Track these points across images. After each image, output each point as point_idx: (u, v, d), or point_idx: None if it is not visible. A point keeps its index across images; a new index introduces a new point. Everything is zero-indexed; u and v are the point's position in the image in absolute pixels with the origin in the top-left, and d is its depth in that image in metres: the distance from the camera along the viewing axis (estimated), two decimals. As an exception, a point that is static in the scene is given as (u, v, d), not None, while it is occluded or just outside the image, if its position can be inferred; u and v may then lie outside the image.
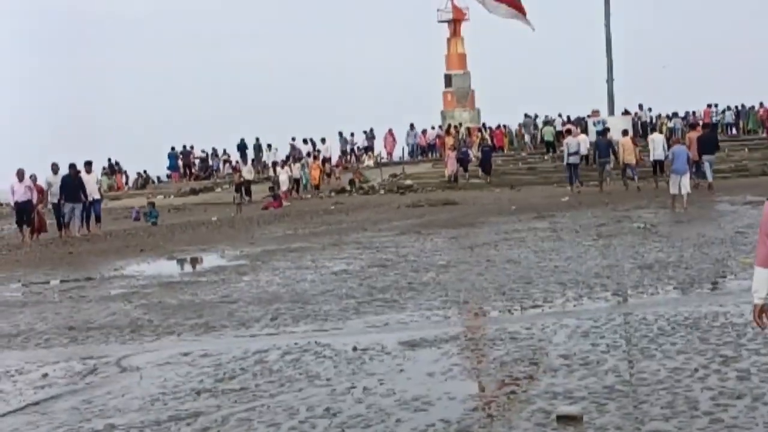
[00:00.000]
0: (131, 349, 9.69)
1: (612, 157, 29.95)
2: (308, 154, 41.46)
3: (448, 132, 42.26)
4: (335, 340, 9.43)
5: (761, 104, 44.18)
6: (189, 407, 7.10)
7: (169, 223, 28.06)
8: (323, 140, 43.18)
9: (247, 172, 38.19)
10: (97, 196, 25.78)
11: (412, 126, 46.55)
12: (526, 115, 45.52)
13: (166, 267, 16.86)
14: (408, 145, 46.69)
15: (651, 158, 29.64)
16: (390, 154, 47.41)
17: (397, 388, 7.36)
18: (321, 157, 41.09)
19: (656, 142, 29.67)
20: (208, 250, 19.29)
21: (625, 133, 31.22)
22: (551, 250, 15.42)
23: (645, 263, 13.22)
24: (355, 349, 8.88)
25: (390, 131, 47.19)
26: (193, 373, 8.36)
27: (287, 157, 42.77)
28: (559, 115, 43.13)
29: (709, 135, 29.88)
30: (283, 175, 37.89)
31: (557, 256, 14.54)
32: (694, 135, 28.17)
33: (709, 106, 44.53)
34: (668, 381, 6.93)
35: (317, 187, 38.80)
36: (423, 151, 46.06)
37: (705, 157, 27.27)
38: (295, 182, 38.77)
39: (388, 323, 10.26)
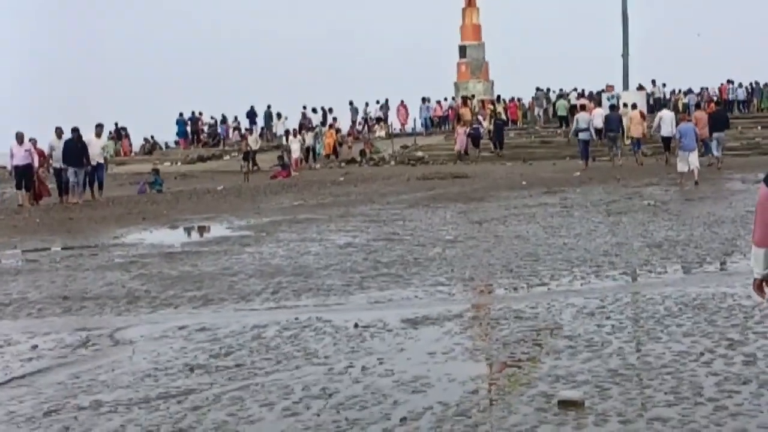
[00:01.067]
0: (126, 321, 9.52)
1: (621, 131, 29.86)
2: (323, 123, 41.18)
3: (465, 104, 41.88)
4: (337, 316, 9.26)
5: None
6: (181, 384, 6.93)
7: (174, 190, 27.87)
8: (330, 110, 42.88)
9: (253, 141, 37.81)
10: (101, 161, 25.45)
11: (423, 100, 46.15)
12: (537, 89, 45.11)
13: (168, 236, 16.69)
14: (421, 118, 46.32)
15: (660, 134, 29.28)
16: (403, 125, 47.10)
17: (397, 368, 7.17)
18: (336, 126, 40.87)
19: (665, 119, 29.23)
20: (212, 220, 19.12)
21: (634, 106, 31.04)
22: (560, 226, 15.19)
23: (654, 242, 12.99)
24: (356, 325, 8.70)
25: (402, 102, 46.86)
26: (188, 348, 8.18)
27: (300, 126, 42.49)
28: (575, 89, 42.70)
29: (719, 112, 29.86)
30: (295, 144, 37.66)
31: (566, 233, 14.32)
32: (700, 114, 27.84)
33: (728, 82, 44.02)
34: (673, 365, 6.72)
35: (330, 155, 38.57)
36: (436, 123, 45.71)
37: (715, 135, 27.14)
38: (308, 151, 38.51)
39: (391, 299, 10.07)
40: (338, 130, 41.11)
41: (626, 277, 10.83)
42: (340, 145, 39.90)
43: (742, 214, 15.35)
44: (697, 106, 31.19)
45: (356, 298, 10.28)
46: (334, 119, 41.96)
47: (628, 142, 31.53)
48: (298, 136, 38.85)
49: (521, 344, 7.68)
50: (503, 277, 11.06)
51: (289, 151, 36.88)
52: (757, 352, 6.89)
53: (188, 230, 17.79)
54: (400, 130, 46.79)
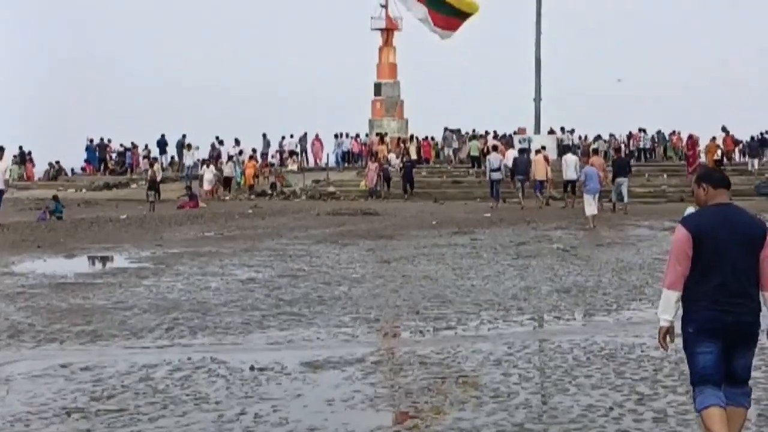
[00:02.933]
0: (5, 357, 8.87)
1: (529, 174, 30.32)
2: (240, 152, 40.48)
3: (382, 141, 41.70)
4: (232, 356, 8.76)
5: (673, 132, 44.63)
6: (54, 431, 6.35)
7: (75, 218, 26.84)
8: (237, 141, 42.22)
9: (156, 172, 36.24)
10: (1, 186, 24.24)
11: (336, 135, 45.86)
12: (446, 129, 45.19)
13: (62, 266, 15.89)
14: (335, 154, 45.99)
15: (564, 178, 29.95)
16: (317, 160, 46.68)
17: (292, 416, 6.73)
18: (253, 157, 40.23)
19: (568, 162, 29.83)
20: (111, 250, 18.36)
21: (538, 151, 31.64)
22: (469, 267, 14.93)
23: (563, 287, 12.81)
24: (252, 368, 8.23)
25: (317, 137, 46.46)
26: (67, 389, 7.60)
27: (209, 157, 41.69)
28: (486, 133, 42.87)
29: (622, 159, 31.45)
30: (209, 174, 36.82)
31: (475, 275, 14.06)
32: (595, 160, 28.31)
33: (640, 130, 44.75)
34: (581, 420, 6.43)
35: (251, 186, 37.89)
36: (351, 158, 45.37)
37: (618, 180, 27.69)
38: (226, 180, 37.70)
39: (292, 340, 9.63)
40: (257, 161, 40.49)
41: (534, 322, 10.59)
42: (256, 177, 39.06)
43: (649, 261, 15.33)
44: (595, 152, 31.72)
45: (255, 337, 9.80)
46: (254, 150, 41.34)
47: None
48: (212, 167, 38.04)
49: (425, 393, 7.31)
50: (409, 319, 10.71)
51: (193, 180, 35.94)
52: (667, 408, 6.63)
53: (84, 260, 16.98)
54: (315, 164, 46.37)
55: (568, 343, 9.07)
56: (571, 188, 29.46)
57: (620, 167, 28.73)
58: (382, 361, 8.64)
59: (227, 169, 38.16)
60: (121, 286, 13.25)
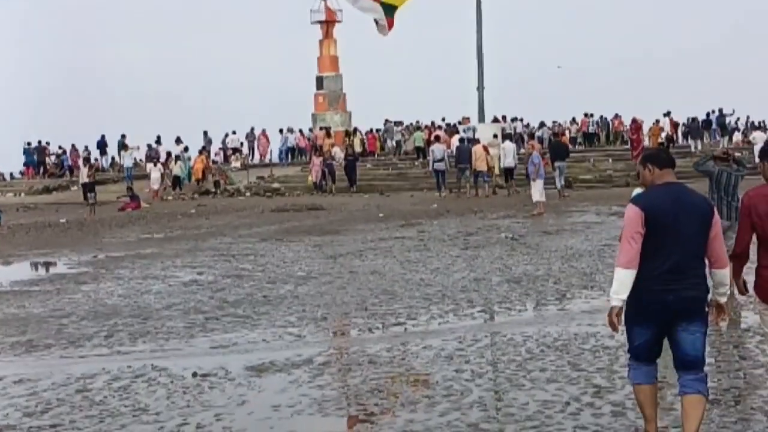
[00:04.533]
0: (-68, 373, 8.42)
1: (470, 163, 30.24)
2: (186, 149, 39.89)
3: (328, 134, 41.32)
4: (174, 363, 8.42)
5: (616, 116, 44.90)
6: (-19, 452, 5.98)
7: (13, 223, 26.12)
8: (179, 139, 41.56)
9: (84, 174, 35.18)
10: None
11: (281, 131, 45.40)
12: (386, 121, 44.98)
13: (-3, 274, 15.37)
14: (279, 150, 45.50)
15: (501, 165, 30.09)
16: (263, 155, 46.16)
17: (236, 425, 6.43)
18: (202, 152, 39.73)
19: (507, 150, 29.91)
20: (49, 255, 17.82)
21: (476, 140, 31.62)
22: (417, 260, 14.70)
23: (513, 276, 12.63)
24: (195, 374, 7.90)
25: (264, 132, 45.95)
26: (-1, 405, 7.20)
27: (146, 157, 40.96)
28: (432, 123, 42.71)
29: (558, 143, 31.28)
30: (155, 173, 36.12)
31: (423, 268, 13.82)
32: (536, 145, 28.39)
33: (586, 115, 44.93)
34: (538, 417, 6.21)
35: (199, 181, 37.32)
36: (294, 153, 44.91)
37: (557, 164, 27.80)
38: (175, 179, 37.04)
39: (236, 343, 9.31)
40: (208, 155, 39.93)
41: (485, 315, 10.38)
42: (204, 173, 38.29)
43: (599, 248, 15.22)
44: (531, 136, 31.80)
45: (198, 341, 9.46)
46: (203, 146, 40.79)
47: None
48: (158, 165, 37.33)
49: (375, 394, 7.04)
50: (358, 316, 10.44)
51: (133, 181, 35.18)
52: (625, 401, 6.43)
53: (21, 267, 16.42)
54: (260, 160, 45.85)
55: (520, 336, 8.87)
56: (510, 175, 29.80)
57: (557, 151, 28.94)
58: (330, 361, 8.34)
59: (176, 169, 37.49)
60: (59, 292, 12.80)
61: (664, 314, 5.13)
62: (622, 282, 5.12)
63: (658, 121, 38.40)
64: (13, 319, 10.90)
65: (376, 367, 7.90)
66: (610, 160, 36.60)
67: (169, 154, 39.50)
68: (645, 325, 5.18)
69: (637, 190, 10.17)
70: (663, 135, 37.54)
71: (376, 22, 38.78)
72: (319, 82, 49.17)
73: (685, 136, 42.17)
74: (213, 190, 36.91)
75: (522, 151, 30.52)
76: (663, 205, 5.12)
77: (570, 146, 40.16)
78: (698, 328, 5.18)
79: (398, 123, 44.74)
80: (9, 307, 11.73)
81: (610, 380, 7.05)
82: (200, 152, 39.69)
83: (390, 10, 38.47)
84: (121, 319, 10.68)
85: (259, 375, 7.85)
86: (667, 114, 40.03)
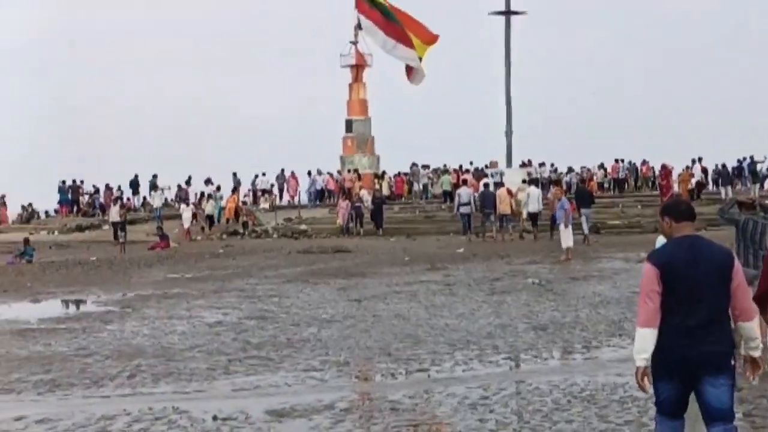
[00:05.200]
0: (-43, 411, 8.42)
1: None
2: (218, 188, 40.33)
3: (360, 177, 41.55)
4: (195, 405, 8.37)
5: (644, 161, 44.68)
6: (-2, 494, 5.94)
7: (45, 261, 26.31)
8: (187, 182, 42.12)
9: (114, 213, 35.64)
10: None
11: (309, 173, 45.64)
12: (413, 164, 45.07)
13: (26, 311, 15.40)
14: (307, 192, 45.73)
15: (527, 210, 30.07)
16: (292, 197, 46.39)
17: (254, 471, 6.34)
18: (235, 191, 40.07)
19: (532, 195, 29.89)
20: (77, 293, 17.89)
21: (501, 185, 31.71)
22: (443, 305, 14.60)
23: (539, 323, 12.49)
24: (215, 418, 7.84)
25: (293, 174, 46.23)
26: (19, 445, 7.18)
27: (176, 198, 41.29)
28: (461, 167, 42.72)
29: (582, 189, 31.85)
30: (187, 213, 36.35)
31: (449, 313, 13.72)
32: (558, 191, 28.42)
33: (616, 161, 44.78)
34: (563, 469, 6.08)
35: (229, 220, 37.55)
36: (323, 195, 45.06)
37: (582, 210, 27.80)
38: (208, 218, 37.34)
39: (258, 386, 9.25)
40: (239, 196, 40.25)
41: (510, 362, 10.25)
42: (237, 213, 38.52)
43: (627, 295, 15.04)
44: (557, 183, 31.91)
45: (220, 384, 9.41)
46: (234, 187, 41.16)
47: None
48: (191, 205, 37.61)
49: (396, 443, 6.95)
50: (381, 361, 10.35)
51: (163, 221, 35.44)
52: (653, 456, 6.28)
53: (49, 305, 16.47)
54: (289, 202, 46.07)
55: (546, 385, 8.74)
56: (534, 221, 29.84)
57: (582, 198, 29.00)
58: (352, 407, 8.24)
59: (209, 208, 37.76)
60: (85, 331, 12.81)
61: (687, 370, 5.07)
62: (643, 341, 5.09)
63: (688, 167, 38.13)
64: (38, 357, 10.91)
65: (398, 415, 7.80)
66: (639, 206, 36.38)
67: (202, 194, 39.84)
68: (668, 381, 5.12)
69: (660, 239, 10.07)
70: (693, 181, 37.25)
71: (410, 68, 39.14)
72: (348, 125, 49.37)
73: (715, 182, 41.87)
74: (241, 230, 37.04)
75: (549, 195, 30.43)
76: (679, 260, 5.07)
77: (597, 192, 40.13)
78: (724, 381, 5.09)
79: (425, 166, 44.80)
80: (35, 345, 11.75)
81: (637, 434, 6.92)
82: (233, 192, 40.03)
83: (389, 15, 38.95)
84: (144, 359, 10.65)
85: (280, 420, 7.77)
86: (699, 160, 39.71)
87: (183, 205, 37.71)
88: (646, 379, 5.11)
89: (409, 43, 38.40)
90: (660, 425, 5.28)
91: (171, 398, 8.74)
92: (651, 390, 5.19)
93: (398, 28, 39.16)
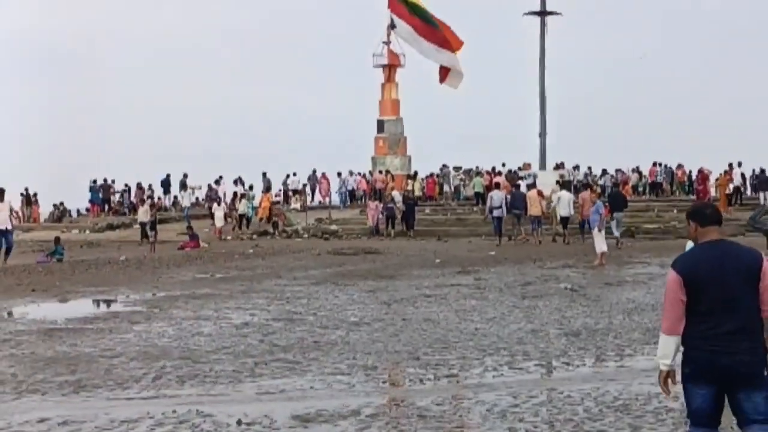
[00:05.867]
0: (-20, 412, 8.33)
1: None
2: (251, 188, 40.46)
3: (393, 178, 41.49)
4: (220, 409, 8.23)
5: (679, 165, 44.03)
6: (15, 499, 5.82)
7: (75, 260, 26.35)
8: (216, 181, 42.20)
9: (143, 213, 35.81)
10: (9, 226, 23.85)
11: (339, 174, 45.57)
12: (444, 166, 44.82)
13: (54, 311, 15.31)
14: (338, 193, 45.69)
15: (559, 215, 29.99)
16: (323, 198, 46.39)
17: (277, 479, 6.18)
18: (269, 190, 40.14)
19: (563, 199, 29.63)
20: (105, 293, 17.84)
21: (532, 186, 31.64)
22: (473, 309, 14.38)
23: (572, 329, 12.25)
24: (239, 422, 7.70)
25: (324, 175, 46.22)
26: (40, 448, 7.08)
27: (206, 198, 41.39)
28: (494, 169, 42.43)
29: (616, 193, 31.62)
30: (219, 212, 36.40)
31: (479, 317, 13.51)
32: (586, 195, 28.33)
33: (654, 164, 44.22)
34: (595, 484, 5.87)
35: (262, 219, 37.57)
36: (354, 196, 44.97)
37: (615, 214, 27.69)
38: (240, 218, 37.41)
39: (284, 390, 9.09)
40: (272, 196, 40.30)
41: (541, 369, 10.02)
42: (269, 216, 38.53)
43: (662, 301, 14.69)
44: (586, 186, 31.75)
45: (245, 387, 9.27)
46: (268, 188, 41.26)
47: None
48: (222, 205, 37.68)
49: (423, 451, 6.76)
50: (409, 366, 10.17)
51: (192, 220, 35.54)
52: (689, 471, 6.05)
53: (77, 305, 16.40)
54: (320, 202, 46.05)
55: (578, 393, 8.52)
56: (564, 224, 29.76)
57: (616, 202, 28.88)
58: (378, 413, 8.06)
59: (242, 207, 37.81)
60: (111, 331, 12.72)
61: (722, 377, 5.00)
62: (666, 347, 5.12)
63: (727, 172, 37.47)
64: (63, 358, 10.82)
65: (425, 422, 7.62)
66: (675, 210, 35.93)
67: (235, 194, 39.91)
68: (702, 386, 5.04)
69: (690, 244, 9.81)
70: (731, 186, 36.61)
71: (444, 71, 39.02)
72: (380, 125, 49.22)
73: (754, 188, 41.21)
74: (271, 231, 37.01)
75: (578, 199, 30.18)
76: (702, 266, 5.03)
77: (632, 196, 39.71)
78: (760, 393, 5.00)
79: (457, 168, 44.55)
80: (61, 345, 11.67)
81: (672, 446, 6.69)
82: (266, 191, 40.09)
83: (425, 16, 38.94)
84: (170, 361, 10.54)
85: (305, 426, 7.62)
86: (739, 164, 38.91)
87: (215, 205, 37.75)
88: (669, 381, 5.15)
89: (446, 45, 38.34)
90: None
91: (195, 401, 8.61)
92: (679, 396, 5.00)
93: (434, 29, 39.10)
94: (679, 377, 5.16)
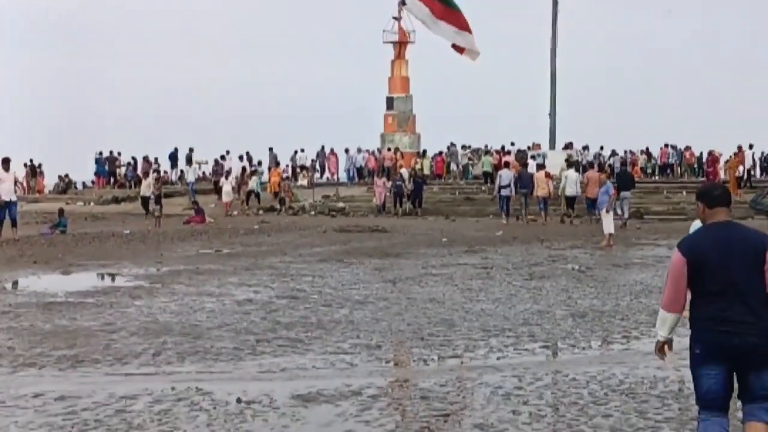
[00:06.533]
0: (-26, 385, 8.21)
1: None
2: (259, 163, 40.31)
3: (402, 156, 41.28)
4: (219, 387, 8.10)
5: (687, 147, 43.60)
6: (5, 477, 5.69)
7: (79, 232, 26.20)
8: (222, 157, 42.07)
9: (146, 187, 35.66)
10: (14, 198, 23.51)
11: (347, 150, 45.33)
12: (451, 144, 44.51)
13: (55, 283, 15.20)
14: (345, 170, 45.47)
15: (565, 194, 29.86)
16: (332, 174, 46.19)
17: (274, 459, 6.04)
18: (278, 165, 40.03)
19: (570, 178, 29.44)
20: (108, 267, 17.70)
21: (541, 166, 31.54)
22: (479, 289, 14.21)
23: (578, 311, 12.08)
24: (239, 401, 7.57)
25: (332, 151, 46.01)
26: (36, 423, 6.97)
27: (213, 172, 41.22)
28: (503, 148, 42.08)
29: (624, 173, 31.53)
30: (227, 186, 36.24)
31: (485, 297, 13.34)
32: (591, 174, 28.25)
33: (666, 146, 43.82)
34: (600, 470, 5.71)
35: (275, 195, 37.45)
36: (363, 173, 44.69)
37: (622, 194, 27.57)
38: (248, 194, 37.27)
39: (285, 368, 8.95)
40: (227, 174, 39.87)
41: (547, 351, 9.86)
42: (280, 186, 38.29)
43: (669, 283, 14.55)
44: (591, 165, 31.73)
45: (246, 364, 9.13)
46: (277, 163, 41.08)
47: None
48: (230, 178, 37.48)
49: (424, 434, 6.61)
50: (413, 345, 10.02)
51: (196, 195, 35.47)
52: (696, 459, 5.89)
53: (78, 278, 16.26)
54: (328, 179, 45.86)
55: (583, 376, 8.36)
56: (570, 204, 29.58)
57: (624, 181, 28.65)
58: (380, 394, 7.90)
59: (252, 184, 37.65)
60: (112, 306, 12.59)
61: (732, 357, 4.99)
62: (663, 322, 5.21)
63: (736, 154, 37.06)
64: (62, 332, 10.69)
65: (428, 403, 7.47)
66: (684, 192, 35.66)
67: (244, 169, 39.73)
68: (714, 366, 5.02)
69: (695, 224, 9.71)
70: (740, 169, 36.24)
71: (458, 47, 38.81)
72: (390, 102, 48.92)
73: (763, 170, 40.86)
74: (278, 207, 36.86)
75: (582, 179, 29.95)
76: (707, 248, 5.02)
77: (641, 176, 39.43)
78: (767, 372, 5.02)
79: (465, 147, 44.23)
80: (61, 319, 11.54)
81: (679, 433, 6.53)
82: (276, 166, 39.90)
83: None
84: (170, 336, 10.41)
85: (305, 405, 7.48)
86: (750, 147, 38.41)
87: (223, 179, 37.56)
88: (666, 348, 5.27)
89: (460, 24, 38.18)
90: (704, 423, 5.07)
91: (195, 378, 8.48)
92: (685, 379, 4.86)
93: (453, 12, 38.92)
94: (685, 361, 5.16)
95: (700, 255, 5.01)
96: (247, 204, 37.07)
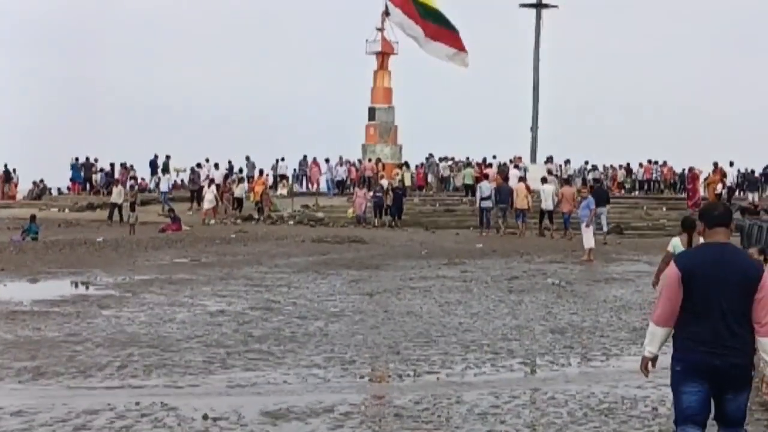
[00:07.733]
0: (-71, 398, 7.86)
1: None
2: (241, 171, 39.93)
3: (384, 167, 40.95)
4: (186, 402, 7.79)
5: (664, 163, 43.48)
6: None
7: (51, 239, 25.69)
8: (199, 164, 41.55)
9: (117, 194, 35.31)
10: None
11: (327, 160, 45.00)
12: (429, 156, 44.29)
13: (21, 291, 14.80)
14: (326, 181, 45.10)
15: (541, 207, 29.64)
16: (313, 184, 45.80)
17: (238, 482, 5.74)
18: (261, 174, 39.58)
19: (546, 192, 29.30)
20: (78, 275, 17.30)
21: (521, 179, 31.29)
22: (457, 302, 13.95)
23: (557, 326, 11.83)
24: (205, 417, 7.27)
25: (315, 160, 45.64)
26: (-13, 441, 6.61)
27: (189, 181, 40.72)
28: (484, 161, 41.85)
29: (600, 189, 31.26)
30: (209, 194, 35.83)
31: (463, 311, 13.08)
32: (566, 190, 28.13)
33: (650, 162, 43.68)
34: (579, 497, 5.44)
35: (258, 203, 37.04)
36: (344, 185, 44.30)
37: (599, 209, 27.33)
38: (237, 201, 36.88)
39: (255, 383, 8.65)
40: (211, 182, 39.43)
41: (525, 368, 9.60)
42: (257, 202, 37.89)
43: (650, 300, 14.30)
44: (567, 181, 31.65)
45: (215, 379, 8.83)
46: (261, 171, 40.67)
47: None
48: (212, 187, 37.07)
49: (396, 455, 6.32)
50: (389, 360, 9.76)
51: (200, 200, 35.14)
52: (679, 485, 5.63)
53: (46, 286, 15.84)
54: (308, 188, 45.49)
55: (562, 394, 8.11)
56: (548, 218, 29.45)
57: (600, 197, 28.42)
58: (353, 411, 7.61)
59: (238, 191, 37.30)
60: (78, 316, 12.23)
61: (713, 378, 4.98)
62: (653, 336, 5.15)
63: (716, 170, 36.96)
64: (25, 342, 10.34)
65: (402, 422, 7.20)
66: (664, 207, 35.57)
67: (226, 176, 39.35)
68: (694, 383, 5.00)
69: (675, 240, 9.59)
70: (719, 187, 36.11)
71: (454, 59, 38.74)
72: (372, 113, 48.60)
73: (740, 187, 40.77)
74: (256, 216, 36.44)
75: (557, 194, 29.82)
76: (704, 267, 5.00)
77: (621, 192, 39.36)
78: (744, 394, 5.09)
79: (444, 159, 44.04)
80: (24, 329, 11.18)
81: (662, 457, 6.27)
82: (260, 175, 39.53)
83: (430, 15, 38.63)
84: (138, 348, 10.08)
85: (274, 423, 7.18)
86: (731, 164, 38.21)
87: (206, 187, 37.14)
88: (650, 365, 5.19)
89: (455, 44, 38.15)
90: None
91: (161, 392, 8.18)
92: (665, 400, 4.60)
93: (445, 30, 38.84)
94: (666, 380, 5.07)
95: (692, 272, 4.99)
96: (236, 209, 36.70)
